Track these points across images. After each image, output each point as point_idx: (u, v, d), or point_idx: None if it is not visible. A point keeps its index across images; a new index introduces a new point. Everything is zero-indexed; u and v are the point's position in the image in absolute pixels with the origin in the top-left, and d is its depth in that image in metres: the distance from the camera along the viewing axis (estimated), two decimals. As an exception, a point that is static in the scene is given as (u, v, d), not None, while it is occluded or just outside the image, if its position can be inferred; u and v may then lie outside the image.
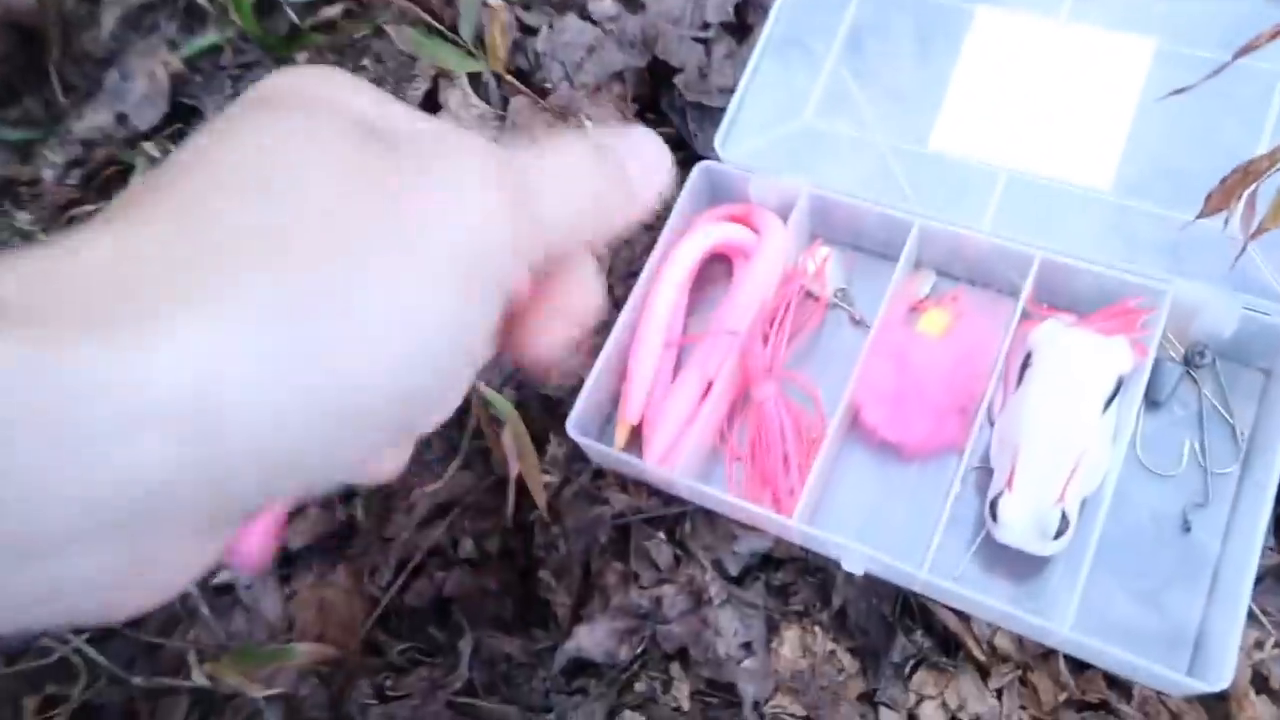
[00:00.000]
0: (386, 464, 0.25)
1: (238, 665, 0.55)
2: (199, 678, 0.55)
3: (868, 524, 0.58)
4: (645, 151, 0.25)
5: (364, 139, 0.20)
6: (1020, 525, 0.51)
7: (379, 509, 0.62)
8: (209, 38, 0.76)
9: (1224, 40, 0.60)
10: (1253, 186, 0.50)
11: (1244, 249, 0.52)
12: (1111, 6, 0.63)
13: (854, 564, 0.53)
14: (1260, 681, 0.52)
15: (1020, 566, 0.54)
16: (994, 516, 0.52)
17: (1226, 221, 0.53)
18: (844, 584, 0.57)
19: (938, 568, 0.55)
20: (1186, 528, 0.53)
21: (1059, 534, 0.50)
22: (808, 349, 0.63)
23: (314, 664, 0.57)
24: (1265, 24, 0.61)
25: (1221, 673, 0.46)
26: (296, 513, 0.61)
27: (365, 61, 0.72)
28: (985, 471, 0.56)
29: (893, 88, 0.66)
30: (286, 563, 0.62)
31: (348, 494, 0.63)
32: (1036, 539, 0.51)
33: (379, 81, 0.72)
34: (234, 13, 0.73)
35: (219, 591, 0.61)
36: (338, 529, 0.62)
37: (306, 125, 0.20)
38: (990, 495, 0.53)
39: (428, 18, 0.69)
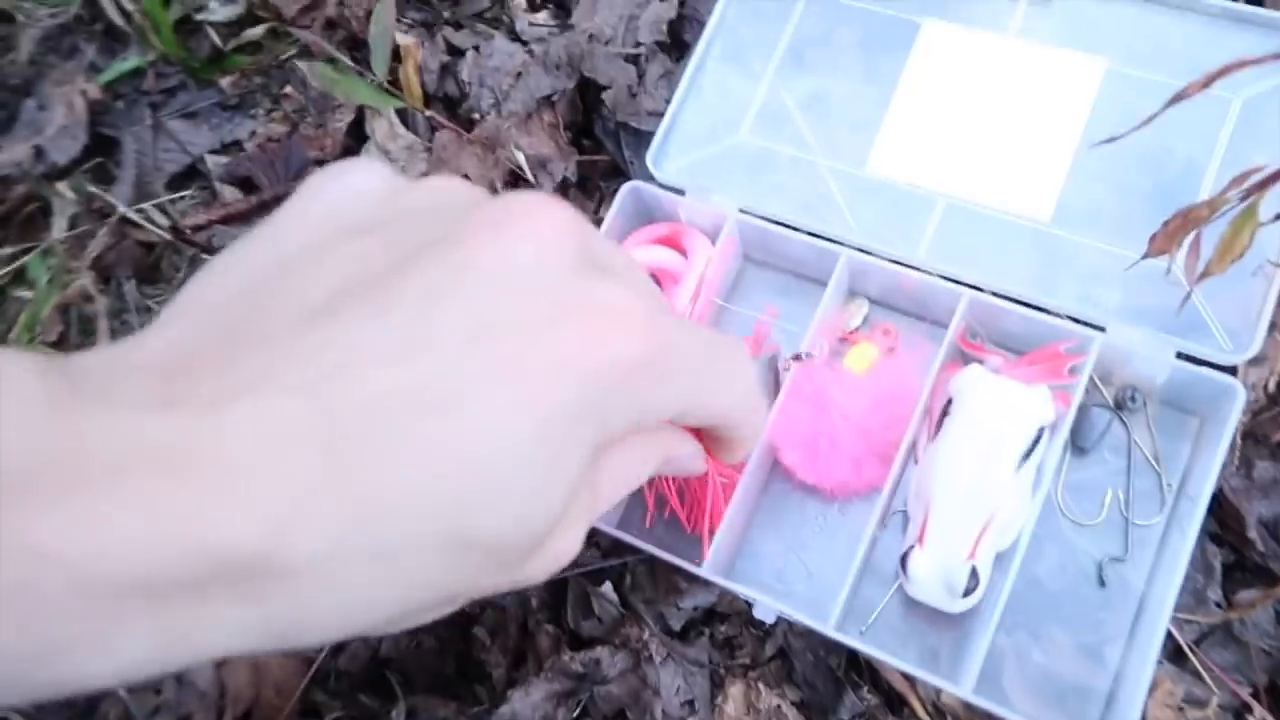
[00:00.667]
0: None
1: None
2: None
3: (791, 568, 0.57)
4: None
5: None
6: (930, 582, 0.49)
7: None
8: (130, 60, 0.74)
9: (1177, 62, 0.58)
10: (1195, 231, 0.48)
11: (1189, 296, 0.50)
12: (1062, 23, 0.60)
13: (764, 613, 0.52)
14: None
15: (937, 618, 0.53)
16: (905, 572, 0.50)
17: (1169, 268, 0.51)
18: (789, 636, 0.55)
19: (854, 617, 0.54)
20: (1102, 582, 0.51)
21: (968, 592, 0.49)
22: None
23: None
24: (1220, 44, 0.58)
25: (1123, 742, 0.44)
26: None
27: (289, 88, 0.70)
28: (907, 515, 0.55)
29: (833, 106, 0.63)
30: None
31: None
32: (945, 596, 0.49)
33: (302, 111, 0.69)
34: (154, 35, 0.70)
35: None
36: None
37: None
38: (903, 549, 0.51)
39: (336, 52, 0.66)
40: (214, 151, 0.74)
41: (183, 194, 0.74)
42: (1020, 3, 0.62)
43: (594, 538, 0.59)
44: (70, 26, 0.77)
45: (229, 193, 0.71)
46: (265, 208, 0.66)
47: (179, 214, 0.72)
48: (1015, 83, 0.60)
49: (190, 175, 0.75)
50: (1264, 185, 0.43)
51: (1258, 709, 0.49)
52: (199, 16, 0.76)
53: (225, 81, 0.75)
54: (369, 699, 0.58)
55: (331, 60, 0.67)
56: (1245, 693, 0.49)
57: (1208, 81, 0.41)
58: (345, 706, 0.58)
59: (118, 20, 0.76)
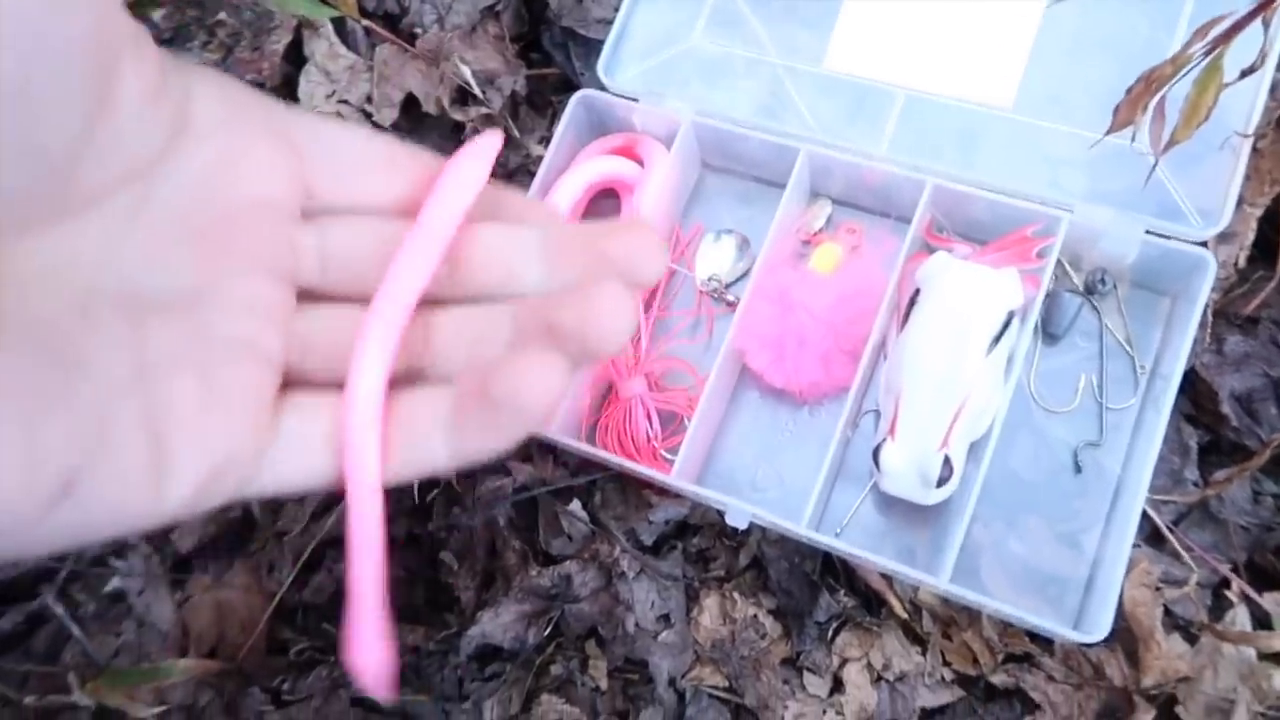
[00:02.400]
0: None
1: (115, 685, 0.52)
2: (82, 699, 0.52)
3: (763, 474, 0.56)
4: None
5: None
6: (903, 474, 0.48)
7: (272, 500, 0.59)
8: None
9: (1136, -64, 0.56)
10: (1158, 95, 0.46)
11: (1155, 166, 0.49)
12: (1019, -97, 0.58)
13: (737, 518, 0.51)
14: (1171, 620, 0.50)
15: (912, 515, 0.52)
16: (877, 465, 0.49)
17: (1133, 139, 0.50)
18: (763, 544, 0.54)
19: (829, 520, 0.53)
20: (1077, 468, 0.50)
21: (942, 482, 0.48)
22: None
23: (202, 675, 0.55)
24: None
25: (1101, 621, 0.44)
26: None
27: (222, 14, 0.67)
28: (879, 413, 0.53)
29: (787, 4, 0.61)
30: (180, 566, 0.60)
31: None
32: (919, 488, 0.48)
33: (236, 35, 0.66)
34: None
35: (113, 600, 0.58)
36: (232, 526, 0.59)
37: None
38: (874, 443, 0.50)
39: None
40: (150, 86, 0.71)
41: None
42: (976, -112, 0.59)
43: (561, 456, 0.57)
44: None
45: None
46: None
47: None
48: (973, -31, 0.58)
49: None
50: (1229, 35, 0.41)
51: (1236, 583, 0.48)
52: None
53: (158, 15, 0.72)
54: (336, 630, 0.57)
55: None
56: (1225, 568, 0.49)
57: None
58: (312, 638, 0.57)
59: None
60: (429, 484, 0.59)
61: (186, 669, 0.53)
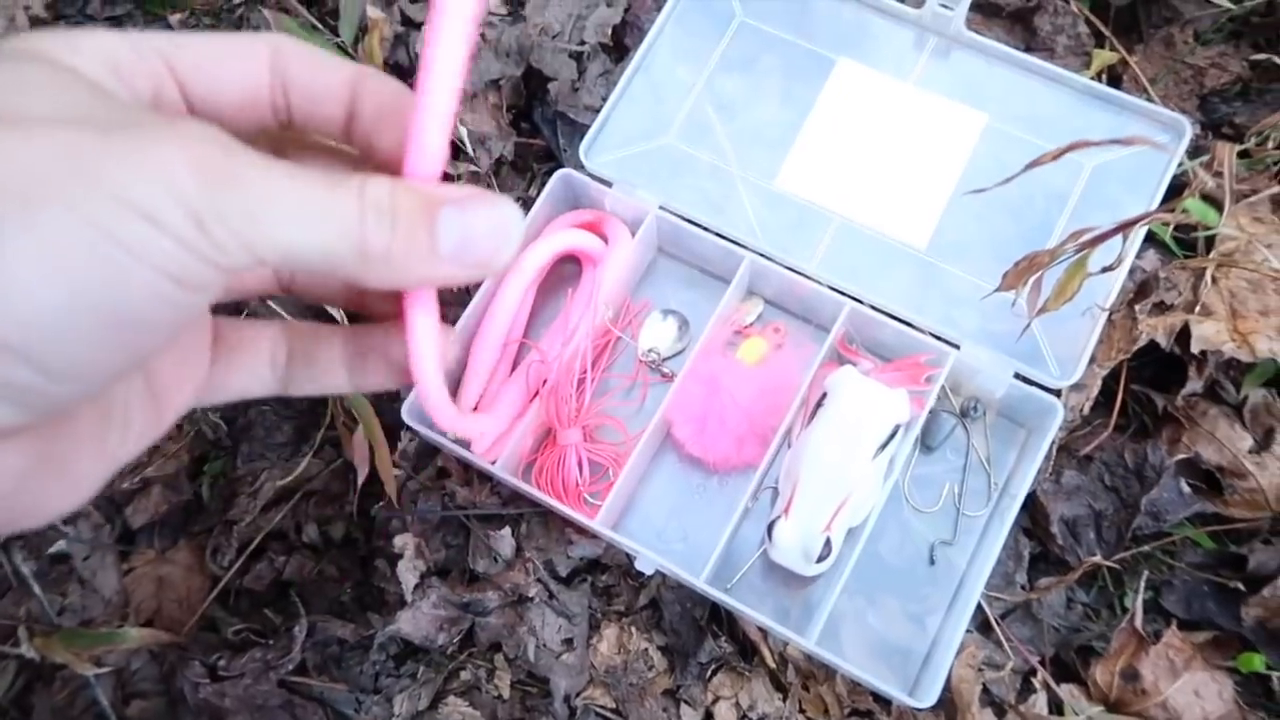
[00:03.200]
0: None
1: (68, 644, 0.57)
2: (29, 651, 0.57)
3: (671, 529, 0.64)
4: (492, 217, 0.26)
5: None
6: (790, 549, 0.57)
7: (225, 489, 0.65)
8: (80, -17, 0.75)
9: (1046, 125, 0.67)
10: (1038, 274, 0.57)
11: (1027, 326, 0.59)
12: (955, 77, 0.69)
13: (645, 565, 0.59)
14: (987, 697, 0.60)
15: (791, 582, 0.61)
16: (770, 537, 0.58)
17: (1015, 301, 0.60)
18: (662, 588, 0.62)
19: (721, 575, 0.62)
20: (931, 560, 0.60)
21: (821, 559, 0.57)
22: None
23: (153, 644, 0.60)
24: (1083, 114, 0.68)
25: (931, 691, 0.53)
26: (140, 489, 0.64)
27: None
28: (777, 491, 0.62)
29: (751, 123, 0.70)
30: (126, 538, 0.64)
31: (195, 472, 0.65)
32: (802, 561, 0.57)
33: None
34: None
35: (54, 561, 0.63)
36: (182, 506, 0.65)
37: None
38: (770, 518, 0.59)
39: (305, 11, 0.70)
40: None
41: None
42: (924, 53, 0.70)
43: (497, 486, 0.65)
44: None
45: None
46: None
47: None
48: (909, 123, 0.69)
49: (132, 106, 0.76)
50: (1093, 243, 0.52)
51: (1042, 673, 0.58)
52: (157, -48, 0.78)
53: (174, 18, 0.78)
54: (271, 615, 0.63)
55: (292, 14, 0.71)
56: (1034, 660, 0.59)
57: (1058, 155, 0.49)
58: (247, 621, 0.63)
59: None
60: (371, 493, 0.65)
61: (140, 637, 0.58)
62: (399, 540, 0.61)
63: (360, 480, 0.63)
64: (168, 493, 0.65)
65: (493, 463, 0.61)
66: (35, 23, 0.76)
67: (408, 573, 0.60)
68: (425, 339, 0.28)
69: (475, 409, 0.65)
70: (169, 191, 0.21)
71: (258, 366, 0.31)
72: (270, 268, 0.24)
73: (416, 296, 0.27)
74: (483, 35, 0.71)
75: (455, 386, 0.66)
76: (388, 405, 0.66)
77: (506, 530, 0.63)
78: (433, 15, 0.23)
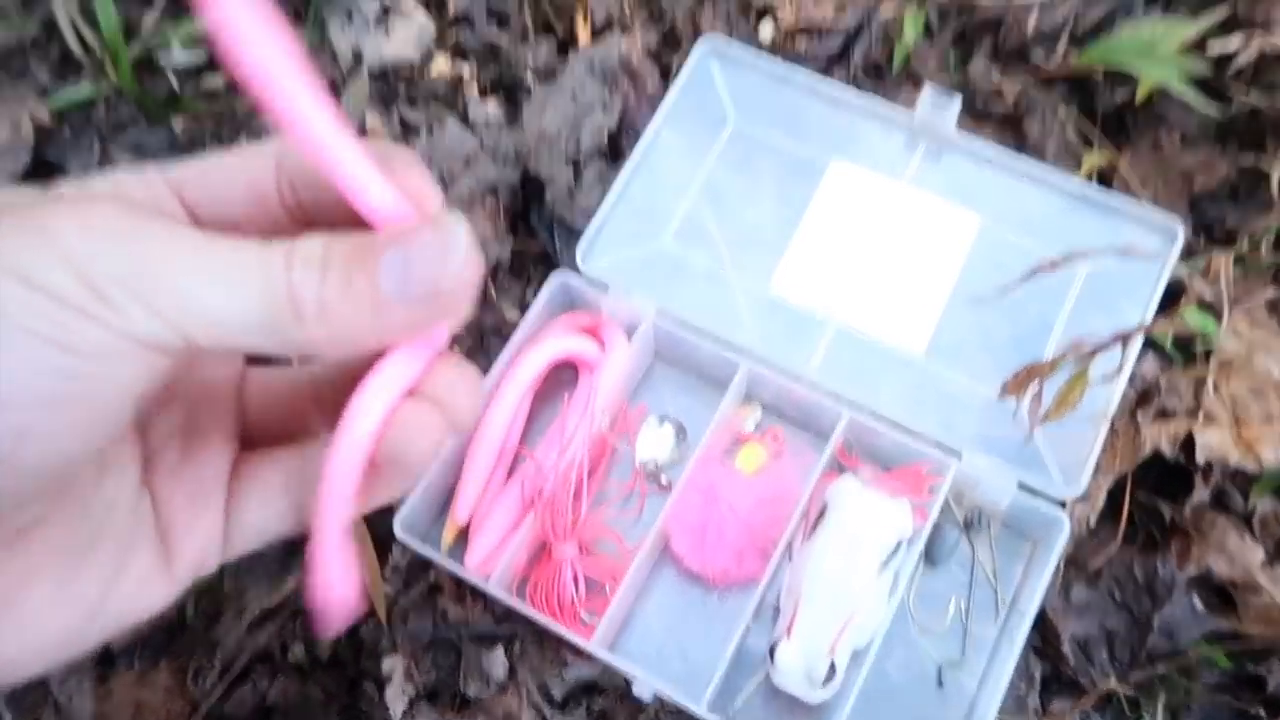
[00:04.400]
0: None
1: None
2: None
3: (669, 648, 0.62)
4: (432, 236, 0.24)
5: None
6: (793, 672, 0.55)
7: (210, 607, 0.62)
8: (84, 89, 0.76)
9: (1040, 227, 0.67)
10: (1038, 382, 0.56)
11: (1030, 436, 0.58)
12: (948, 179, 0.69)
13: (642, 690, 0.57)
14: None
15: (795, 708, 0.58)
16: (772, 660, 0.56)
17: (1015, 411, 0.59)
18: (661, 713, 0.60)
19: (722, 701, 0.59)
20: (940, 682, 0.58)
21: (826, 682, 0.55)
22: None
23: None
24: (1076, 217, 0.68)
25: (944, 828, 0.51)
26: None
27: (242, 138, 0.73)
28: (778, 608, 0.61)
29: (746, 226, 0.70)
30: (106, 660, 0.62)
31: None
32: (806, 686, 0.55)
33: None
34: (112, 68, 0.73)
35: (30, 687, 0.60)
36: (164, 625, 0.62)
37: None
38: (771, 640, 0.57)
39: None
40: (156, 190, 0.76)
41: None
42: (916, 154, 0.70)
43: (490, 603, 0.63)
44: (24, 48, 0.78)
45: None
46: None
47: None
48: (904, 225, 0.69)
49: (128, 210, 0.76)
50: (1094, 353, 0.51)
51: (1059, 802, 0.56)
52: (161, 60, 0.78)
53: (178, 124, 0.78)
54: (255, 743, 0.60)
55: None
56: (1050, 787, 0.57)
57: (1054, 265, 0.49)
58: (229, 749, 0.60)
59: (75, 48, 0.78)
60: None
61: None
62: (387, 663, 0.59)
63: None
64: (149, 611, 0.62)
65: (486, 578, 0.59)
66: (40, 131, 0.76)
67: (396, 699, 0.57)
68: (344, 464, 0.25)
69: (470, 521, 0.63)
70: (51, 250, 0.20)
71: (272, 498, 0.29)
72: (199, 341, 0.22)
73: (353, 410, 0.25)
74: (480, 141, 0.71)
75: (449, 495, 0.65)
76: (379, 517, 0.64)
77: (499, 650, 0.61)
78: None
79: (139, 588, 0.26)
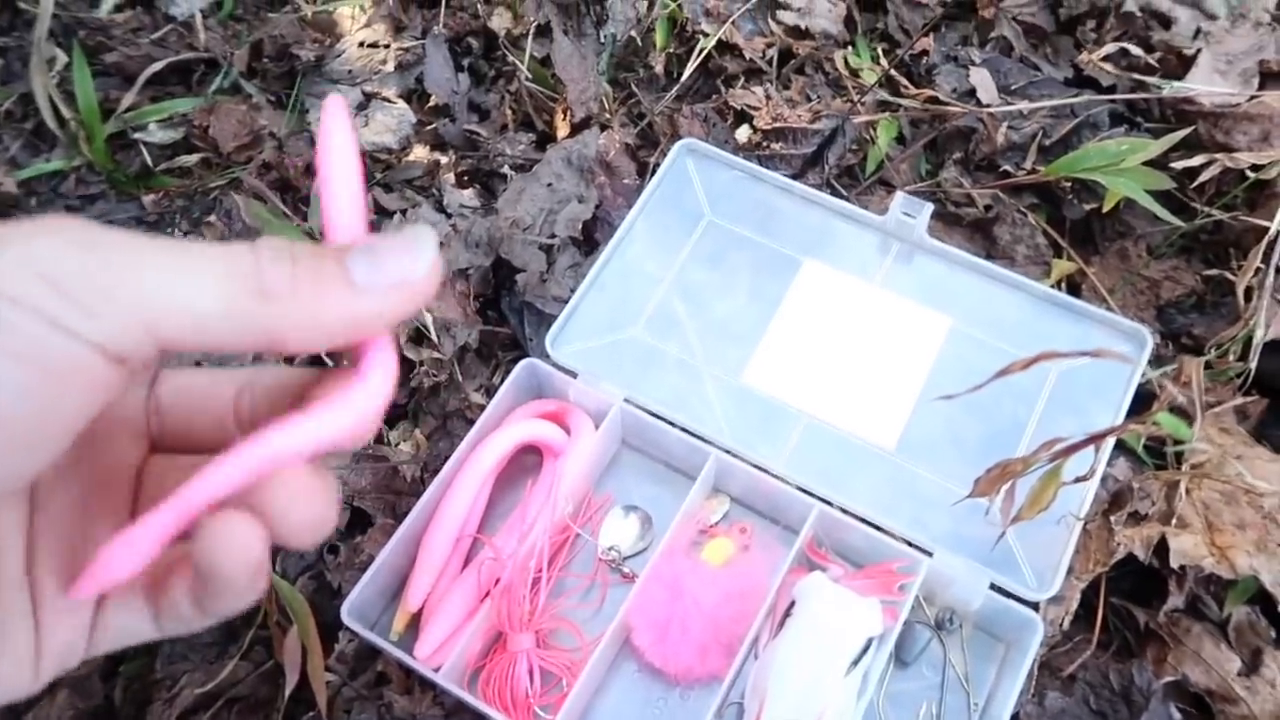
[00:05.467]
0: None
1: None
2: None
3: (628, 746, 0.59)
4: (401, 236, 0.24)
5: None
6: (757, 774, 0.52)
7: (140, 694, 0.59)
8: (54, 162, 0.76)
9: (1009, 330, 0.67)
10: (1010, 482, 0.55)
11: (1002, 535, 0.57)
12: (919, 280, 0.70)
13: (597, 791, 0.53)
14: None
15: (758, 812, 0.55)
16: (735, 762, 0.53)
17: (988, 510, 0.58)
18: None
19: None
20: (911, 794, 0.56)
21: (791, 788, 0.52)
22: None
23: None
24: (1044, 319, 0.68)
25: None
26: (44, 692, 0.58)
27: (213, 217, 0.74)
28: (743, 707, 0.58)
29: (718, 318, 0.70)
30: None
31: (108, 673, 0.60)
32: (770, 790, 0.52)
33: (222, 240, 0.72)
34: (85, 143, 0.73)
35: None
36: (90, 711, 0.59)
37: None
38: (735, 739, 0.54)
39: (274, 197, 0.70)
40: (123, 263, 0.75)
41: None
42: (888, 256, 0.71)
43: (438, 696, 0.59)
44: (-2, 120, 0.79)
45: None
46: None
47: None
48: (876, 324, 0.69)
49: (92, 281, 0.75)
50: (1066, 453, 0.50)
51: None
52: (135, 135, 0.79)
53: (148, 199, 0.78)
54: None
55: (261, 200, 0.71)
56: None
57: (1026, 364, 0.49)
58: None
59: (50, 122, 0.79)
60: (302, 699, 0.59)
61: None
62: (327, 757, 0.55)
63: (290, 687, 0.57)
64: (74, 697, 0.59)
65: (436, 670, 0.56)
66: (6, 199, 0.76)
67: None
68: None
69: (422, 609, 0.61)
70: (23, 265, 0.20)
71: (139, 603, 0.27)
72: (169, 335, 0.21)
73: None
74: (454, 226, 0.71)
75: (402, 581, 0.62)
76: (327, 602, 0.61)
77: (447, 747, 0.57)
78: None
79: (10, 671, 0.24)
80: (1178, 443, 0.64)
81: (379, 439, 0.68)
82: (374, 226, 0.74)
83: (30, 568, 0.25)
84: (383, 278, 0.23)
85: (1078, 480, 0.52)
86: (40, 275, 0.20)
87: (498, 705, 0.56)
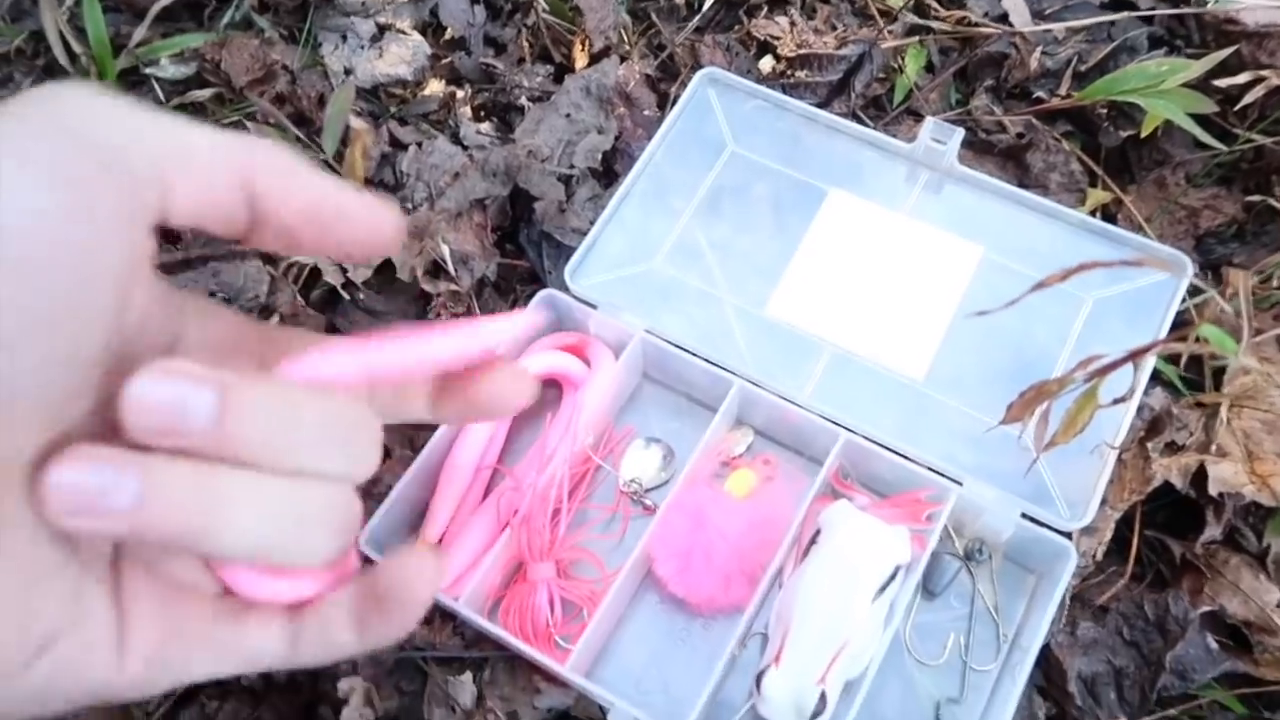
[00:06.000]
0: None
1: None
2: None
3: (649, 677, 0.58)
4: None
5: None
6: (781, 702, 0.52)
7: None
8: (66, 99, 0.75)
9: (1042, 259, 0.65)
10: (1045, 405, 0.53)
11: (1035, 461, 0.56)
12: (950, 209, 0.68)
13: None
14: None
15: (782, 740, 0.54)
16: (759, 690, 0.52)
17: (1021, 434, 0.57)
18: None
19: (704, 732, 0.55)
20: (938, 721, 0.55)
21: (815, 715, 0.51)
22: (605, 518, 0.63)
23: None
24: (1078, 249, 0.66)
25: None
26: None
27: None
28: (766, 637, 0.57)
29: (741, 250, 0.68)
30: None
31: None
32: (794, 717, 0.51)
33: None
34: (96, 79, 0.72)
35: None
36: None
37: None
38: (759, 668, 0.53)
39: (290, 124, 0.69)
40: (137, 199, 0.74)
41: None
42: (916, 186, 0.69)
43: (460, 626, 0.59)
44: (10, 58, 0.78)
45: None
46: (189, 264, 0.66)
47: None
48: (904, 254, 0.67)
49: (108, 218, 0.74)
50: (1104, 371, 0.48)
51: None
52: (147, 70, 0.78)
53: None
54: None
55: (279, 127, 0.70)
56: (1057, 841, 0.53)
57: (1064, 276, 0.47)
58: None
59: (62, 59, 0.77)
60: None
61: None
62: (344, 685, 0.55)
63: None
64: None
65: (456, 599, 0.55)
66: None
67: (354, 721, 0.53)
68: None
69: (441, 540, 0.60)
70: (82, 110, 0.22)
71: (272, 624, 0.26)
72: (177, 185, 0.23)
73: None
74: (470, 155, 0.69)
75: (421, 514, 0.61)
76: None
77: (468, 675, 0.57)
78: None
79: (85, 654, 0.23)
80: (1217, 371, 0.62)
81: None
82: (389, 159, 0.72)
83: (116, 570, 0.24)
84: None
85: (1115, 402, 0.51)
86: (101, 122, 0.22)
87: (518, 634, 0.56)
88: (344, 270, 0.68)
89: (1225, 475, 0.56)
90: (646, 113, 0.75)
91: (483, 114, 0.78)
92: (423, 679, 0.57)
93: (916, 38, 0.77)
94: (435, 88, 0.79)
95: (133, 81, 0.78)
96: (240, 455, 0.21)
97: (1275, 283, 0.65)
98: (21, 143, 0.20)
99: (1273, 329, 0.63)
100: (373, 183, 0.70)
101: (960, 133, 0.66)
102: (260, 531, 0.22)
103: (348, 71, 0.77)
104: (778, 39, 0.78)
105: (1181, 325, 0.62)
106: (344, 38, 0.79)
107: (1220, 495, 0.56)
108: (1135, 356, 0.47)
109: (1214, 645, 0.54)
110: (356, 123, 0.65)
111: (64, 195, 0.20)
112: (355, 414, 0.24)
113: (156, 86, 0.77)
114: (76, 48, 0.77)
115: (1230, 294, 0.53)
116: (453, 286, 0.68)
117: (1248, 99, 0.69)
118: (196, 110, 0.77)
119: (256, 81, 0.77)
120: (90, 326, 0.21)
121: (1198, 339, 0.47)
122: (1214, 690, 0.55)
